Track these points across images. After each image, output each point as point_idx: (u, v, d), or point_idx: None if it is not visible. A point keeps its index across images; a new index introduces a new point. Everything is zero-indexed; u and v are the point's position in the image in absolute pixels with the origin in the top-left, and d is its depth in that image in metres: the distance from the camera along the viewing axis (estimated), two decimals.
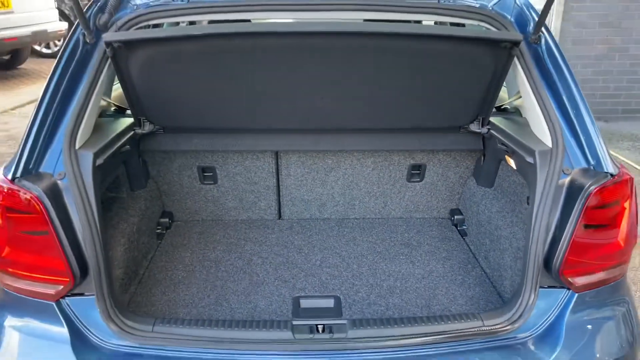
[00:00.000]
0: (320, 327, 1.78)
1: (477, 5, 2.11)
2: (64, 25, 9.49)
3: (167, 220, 2.72)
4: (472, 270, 2.38)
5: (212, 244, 2.60)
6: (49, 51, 10.91)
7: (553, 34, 6.98)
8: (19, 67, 9.91)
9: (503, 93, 2.63)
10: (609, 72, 7.05)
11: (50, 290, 1.72)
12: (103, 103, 2.23)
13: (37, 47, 10.67)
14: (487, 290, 2.23)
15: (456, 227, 2.77)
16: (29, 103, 7.78)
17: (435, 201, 2.83)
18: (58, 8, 9.60)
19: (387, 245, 2.59)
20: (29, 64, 10.19)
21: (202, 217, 2.82)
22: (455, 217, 2.78)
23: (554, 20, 7.14)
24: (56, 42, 10.64)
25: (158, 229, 2.65)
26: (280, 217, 2.85)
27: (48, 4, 9.10)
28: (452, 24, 2.24)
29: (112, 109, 2.41)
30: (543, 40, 2.06)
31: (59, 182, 1.72)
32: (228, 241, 2.62)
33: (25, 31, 8.41)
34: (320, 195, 2.78)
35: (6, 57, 9.54)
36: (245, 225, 2.78)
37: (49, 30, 9.00)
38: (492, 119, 2.37)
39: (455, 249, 2.56)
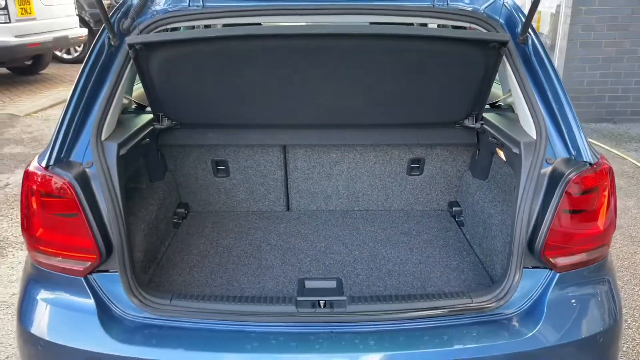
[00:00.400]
0: (321, 303, 1.95)
1: (470, 9, 2.27)
2: (84, 31, 9.82)
3: (183, 210, 2.92)
4: (467, 257, 2.54)
5: (225, 232, 2.79)
6: (69, 57, 11.26)
7: (561, 37, 7.07)
8: (41, 72, 10.25)
9: (498, 91, 2.80)
10: (618, 75, 7.14)
11: (79, 266, 1.91)
12: (125, 101, 2.44)
13: (58, 53, 11.02)
14: (479, 274, 2.39)
15: (454, 218, 2.93)
16: (50, 107, 8.08)
17: (435, 194, 2.99)
18: (78, 15, 9.94)
19: (388, 234, 2.76)
20: (51, 70, 10.52)
21: (215, 208, 3.02)
22: (454, 208, 2.94)
23: (562, 24, 7.26)
24: (76, 47, 11.00)
25: (175, 218, 2.85)
26: (288, 208, 3.04)
27: (69, 11, 9.42)
28: (454, 27, 2.40)
29: (133, 106, 2.62)
30: (530, 41, 2.22)
31: (87, 169, 1.91)
32: (239, 230, 2.81)
33: (48, 37, 8.72)
34: (326, 188, 2.96)
35: (28, 63, 9.87)
36: (256, 216, 2.97)
37: (69, 37, 9.31)
38: (485, 115, 2.53)
39: (452, 237, 2.73)
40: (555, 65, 7.35)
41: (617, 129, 7.10)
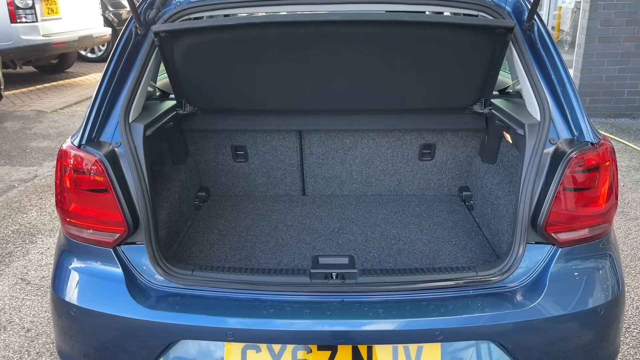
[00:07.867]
0: (334, 275, 2.06)
1: None
2: (108, 30, 10.09)
3: (204, 194, 3.06)
4: (475, 237, 2.63)
5: (244, 214, 2.93)
6: (93, 56, 11.56)
7: (579, 32, 7.08)
8: (66, 70, 10.56)
9: (507, 79, 2.88)
10: (637, 69, 7.12)
11: (109, 238, 2.03)
12: (150, 89, 2.58)
13: (82, 52, 11.32)
14: (486, 253, 2.48)
15: (464, 203, 3.02)
16: (75, 103, 8.33)
17: (446, 179, 3.09)
18: (102, 15, 10.21)
19: (400, 217, 2.86)
20: (75, 68, 10.83)
21: (234, 192, 3.16)
22: (464, 193, 3.03)
23: (580, 19, 7.26)
24: (100, 47, 11.29)
25: (196, 201, 2.99)
26: (304, 193, 3.16)
27: (93, 11, 9.70)
28: (466, 15, 2.50)
29: (157, 94, 2.77)
30: (535, 28, 2.31)
31: (116, 149, 2.04)
32: (257, 212, 2.95)
33: (73, 36, 9.00)
34: (340, 173, 3.08)
35: (54, 61, 10.16)
36: (273, 200, 3.10)
37: (94, 36, 9.59)
38: (493, 100, 2.61)
39: (461, 220, 2.82)
40: (574, 60, 7.38)
41: (636, 124, 7.08)
